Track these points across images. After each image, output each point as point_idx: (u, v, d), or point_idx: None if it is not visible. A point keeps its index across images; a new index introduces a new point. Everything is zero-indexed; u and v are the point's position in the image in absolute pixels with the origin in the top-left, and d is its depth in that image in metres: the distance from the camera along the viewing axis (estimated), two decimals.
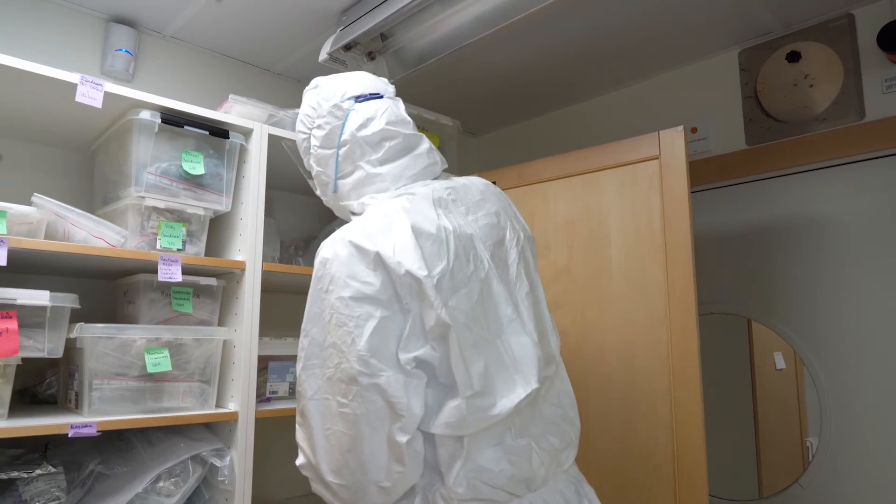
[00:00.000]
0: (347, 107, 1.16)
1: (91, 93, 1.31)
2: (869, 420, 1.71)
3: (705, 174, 2.06)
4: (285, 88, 2.26)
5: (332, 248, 0.97)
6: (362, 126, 1.13)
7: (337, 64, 1.79)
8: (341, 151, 1.14)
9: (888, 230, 1.71)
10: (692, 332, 1.50)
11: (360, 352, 0.89)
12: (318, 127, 1.17)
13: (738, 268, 2.01)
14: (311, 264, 1.04)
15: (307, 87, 1.25)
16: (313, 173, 1.22)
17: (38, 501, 1.28)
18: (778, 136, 1.92)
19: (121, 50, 1.83)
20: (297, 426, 1.02)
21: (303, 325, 0.99)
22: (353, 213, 1.15)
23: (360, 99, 1.17)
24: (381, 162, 1.13)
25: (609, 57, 2.11)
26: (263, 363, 1.66)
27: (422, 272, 0.92)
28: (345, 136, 1.14)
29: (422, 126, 2.00)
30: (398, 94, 2.30)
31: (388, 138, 1.14)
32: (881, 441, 1.68)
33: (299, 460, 1.01)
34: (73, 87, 1.30)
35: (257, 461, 1.66)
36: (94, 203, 1.63)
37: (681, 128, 1.56)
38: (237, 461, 1.45)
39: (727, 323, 2.04)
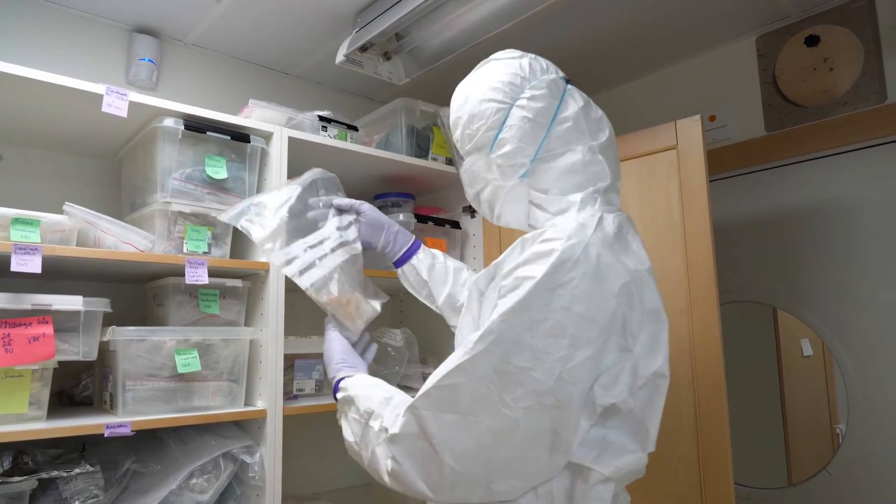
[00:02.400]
0: (562, 87, 1.03)
1: (117, 103, 1.35)
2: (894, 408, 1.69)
3: (725, 162, 2.04)
4: (304, 91, 2.29)
5: (581, 249, 0.86)
6: (587, 106, 1.04)
7: (354, 65, 1.82)
8: (555, 129, 1.00)
9: None
10: (714, 322, 1.49)
11: (562, 373, 0.81)
12: (532, 98, 0.99)
13: (761, 256, 1.99)
14: None
15: (496, 58, 1.06)
16: (501, 152, 1.00)
17: (78, 499, 1.33)
18: (798, 122, 1.89)
19: (144, 59, 1.88)
20: (427, 394, 0.87)
21: (503, 302, 0.85)
22: (540, 209, 1.01)
23: (568, 81, 1.07)
24: (601, 150, 1.02)
25: (625, 48, 2.10)
26: (289, 361, 1.70)
27: (664, 315, 0.91)
28: (565, 114, 1.00)
29: (438, 124, 2.02)
30: (414, 93, 2.34)
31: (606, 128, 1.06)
32: None
33: (404, 427, 0.88)
34: (99, 97, 1.34)
35: (286, 457, 1.69)
36: (123, 210, 1.67)
37: (697, 117, 1.55)
38: (267, 457, 1.48)
39: (752, 311, 2.03)
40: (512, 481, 0.85)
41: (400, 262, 1.36)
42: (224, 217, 1.28)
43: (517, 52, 1.07)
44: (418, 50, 1.84)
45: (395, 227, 1.36)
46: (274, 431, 1.50)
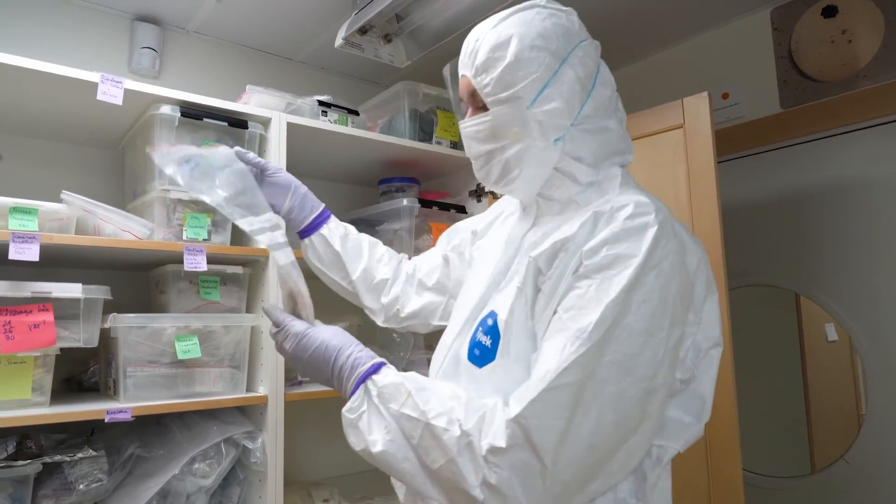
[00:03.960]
0: (599, 52, 0.96)
1: (112, 90, 1.35)
2: None
3: (739, 140, 1.98)
4: (307, 76, 2.28)
5: (670, 225, 0.82)
6: (612, 80, 0.96)
7: (354, 49, 1.79)
8: (596, 96, 0.91)
9: None
10: (722, 304, 1.45)
11: (664, 354, 0.78)
12: (583, 58, 0.90)
13: (778, 238, 1.93)
14: None
15: (539, 5, 0.93)
16: (546, 108, 0.88)
17: (83, 483, 1.35)
18: (815, 97, 1.82)
19: (146, 47, 1.88)
20: (537, 400, 0.76)
21: (604, 286, 0.78)
22: (569, 177, 0.92)
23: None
24: (626, 127, 0.97)
25: (635, 25, 2.04)
26: None
27: (715, 286, 0.89)
28: (604, 82, 0.93)
29: (442, 106, 1.99)
30: (419, 76, 2.30)
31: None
32: None
33: (510, 439, 0.76)
34: (95, 86, 1.34)
35: (290, 443, 1.70)
36: (126, 198, 1.69)
37: (705, 94, 1.50)
38: (268, 443, 1.49)
39: (774, 295, 1.97)
40: (611, 477, 0.79)
41: (307, 232, 1.17)
42: (156, 157, 1.05)
43: (560, 5, 0.95)
44: (419, 31, 1.80)
45: (303, 189, 1.16)
46: (275, 417, 1.51)
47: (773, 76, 1.92)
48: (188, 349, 1.42)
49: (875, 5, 1.70)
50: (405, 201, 1.85)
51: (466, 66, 0.92)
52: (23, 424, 1.23)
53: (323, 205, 1.19)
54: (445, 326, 1.07)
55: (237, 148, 1.11)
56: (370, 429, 0.82)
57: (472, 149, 0.96)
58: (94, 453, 1.36)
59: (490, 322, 0.88)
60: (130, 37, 1.90)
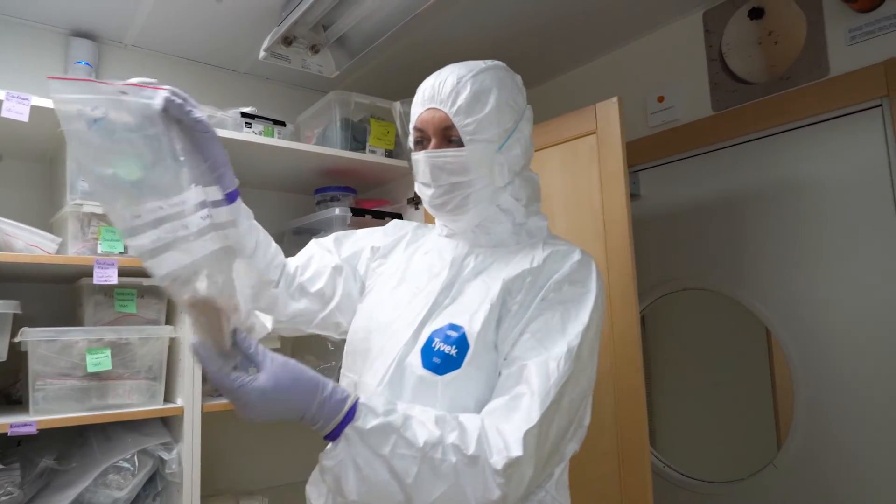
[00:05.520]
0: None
1: (17, 107, 1.37)
2: (841, 400, 1.60)
3: (674, 144, 1.97)
4: (252, 87, 2.29)
5: (595, 263, 1.03)
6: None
7: (279, 60, 1.80)
8: (530, 148, 1.11)
9: (861, 191, 1.59)
10: (632, 310, 1.44)
11: (594, 368, 0.99)
12: (530, 117, 1.10)
13: (711, 241, 1.92)
14: None
15: (499, 66, 1.06)
16: (511, 154, 1.03)
17: None
18: (743, 100, 1.81)
19: (80, 63, 1.90)
20: (545, 414, 0.86)
21: (590, 317, 0.95)
22: (506, 214, 1.06)
23: None
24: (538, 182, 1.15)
25: (571, 31, 2.03)
26: None
27: None
28: (531, 134, 1.11)
29: (376, 115, 2.00)
30: (348, 84, 2.29)
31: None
32: (852, 421, 1.58)
33: (526, 449, 0.82)
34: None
35: (219, 454, 1.71)
36: (54, 212, 1.70)
37: (615, 99, 1.50)
38: (185, 454, 1.50)
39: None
40: (545, 473, 0.94)
41: None
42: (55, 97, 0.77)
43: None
44: (346, 38, 1.81)
45: (225, 159, 0.92)
46: (192, 428, 1.52)
47: (705, 79, 1.91)
48: (99, 362, 1.43)
49: (798, 6, 1.69)
50: (337, 210, 1.85)
51: (444, 102, 1.00)
52: None
53: (237, 182, 0.95)
54: (316, 335, 1.16)
55: (171, 88, 0.85)
56: (347, 478, 0.80)
57: (437, 178, 1.02)
58: (2, 466, 1.37)
59: (454, 334, 0.95)
60: (66, 52, 1.92)
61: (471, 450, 0.81)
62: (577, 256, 1.01)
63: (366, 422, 0.80)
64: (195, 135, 0.87)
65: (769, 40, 1.77)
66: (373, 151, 1.96)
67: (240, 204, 0.98)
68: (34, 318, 1.50)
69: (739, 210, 1.84)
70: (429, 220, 1.97)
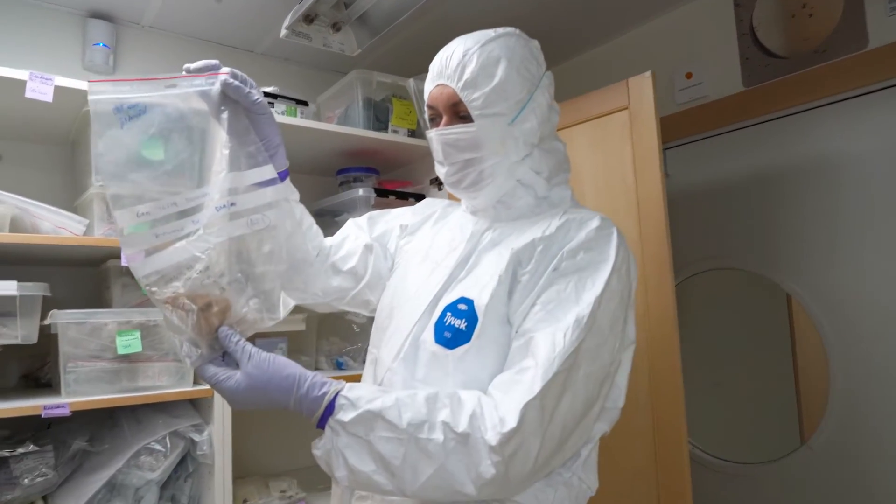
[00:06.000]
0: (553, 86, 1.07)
1: (41, 88, 1.35)
2: (879, 381, 1.58)
3: (703, 121, 1.93)
4: (269, 68, 2.26)
5: (623, 239, 0.95)
6: (557, 108, 1.07)
7: (301, 38, 1.77)
8: (552, 118, 1.05)
9: None
10: (668, 289, 1.42)
11: (618, 344, 0.91)
12: (548, 85, 1.03)
13: (743, 220, 1.88)
14: None
15: (511, 33, 1.01)
16: (524, 127, 0.98)
17: (27, 477, 1.37)
18: (776, 74, 1.77)
19: (98, 44, 1.88)
20: (549, 384, 0.81)
21: (606, 284, 0.88)
22: (528, 189, 1.01)
23: None
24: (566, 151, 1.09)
25: (594, 7, 1.99)
26: (251, 340, 1.70)
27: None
28: (554, 107, 1.05)
29: (398, 94, 1.96)
30: (368, 63, 2.26)
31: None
32: (888, 408, 1.55)
33: (522, 421, 0.78)
34: (24, 84, 1.34)
35: (245, 436, 1.70)
36: (77, 194, 1.69)
37: (648, 73, 1.46)
38: (215, 435, 1.49)
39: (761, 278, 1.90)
40: (567, 453, 0.87)
41: None
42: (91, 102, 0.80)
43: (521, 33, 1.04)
44: (368, 15, 1.77)
45: (279, 140, 0.96)
46: (222, 409, 1.51)
47: (736, 54, 1.87)
48: (129, 344, 1.43)
49: None
50: (360, 191, 1.83)
51: (451, 77, 0.96)
52: None
53: (287, 163, 1.01)
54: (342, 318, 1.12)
55: (231, 70, 0.88)
56: (358, 459, 0.80)
57: (449, 156, 1.00)
58: (35, 448, 1.37)
59: (464, 307, 0.92)
60: (84, 34, 1.90)
61: (461, 427, 0.77)
62: (595, 223, 0.93)
63: (345, 415, 0.79)
64: (252, 116, 0.89)
65: (803, 13, 1.72)
66: (395, 131, 1.93)
67: (288, 183, 1.01)
68: (61, 301, 1.50)
69: (773, 189, 1.80)
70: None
